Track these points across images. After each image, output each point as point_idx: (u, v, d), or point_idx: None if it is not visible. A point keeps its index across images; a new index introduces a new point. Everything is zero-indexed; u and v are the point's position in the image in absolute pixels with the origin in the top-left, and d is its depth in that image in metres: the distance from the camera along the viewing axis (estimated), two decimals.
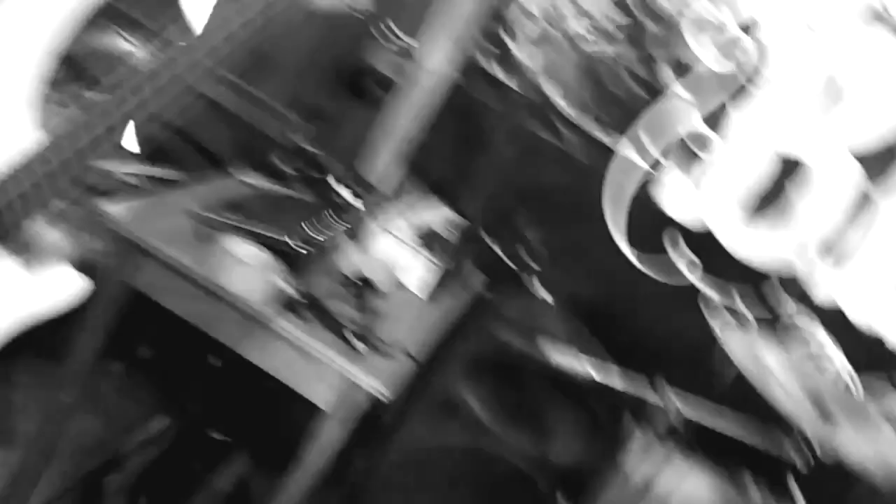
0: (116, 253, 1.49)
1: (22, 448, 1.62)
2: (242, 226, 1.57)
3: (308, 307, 1.53)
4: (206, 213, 1.58)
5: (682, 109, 1.93)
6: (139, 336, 2.04)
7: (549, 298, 2.15)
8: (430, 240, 1.95)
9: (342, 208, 1.96)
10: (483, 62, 2.18)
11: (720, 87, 1.87)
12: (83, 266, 1.99)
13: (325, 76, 2.28)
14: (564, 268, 2.14)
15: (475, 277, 2.11)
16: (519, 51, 2.14)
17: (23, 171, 0.72)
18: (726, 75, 1.87)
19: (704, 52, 1.89)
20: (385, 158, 2.28)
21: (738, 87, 1.85)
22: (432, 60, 2.22)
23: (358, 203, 2.02)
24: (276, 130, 2.32)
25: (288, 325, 1.47)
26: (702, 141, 1.92)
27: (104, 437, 1.94)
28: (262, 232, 1.57)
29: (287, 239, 1.58)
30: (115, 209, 1.49)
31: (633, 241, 2.02)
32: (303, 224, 1.69)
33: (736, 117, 1.88)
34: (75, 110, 0.75)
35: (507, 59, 2.15)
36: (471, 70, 2.19)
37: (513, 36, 2.14)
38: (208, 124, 2.41)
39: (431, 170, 2.25)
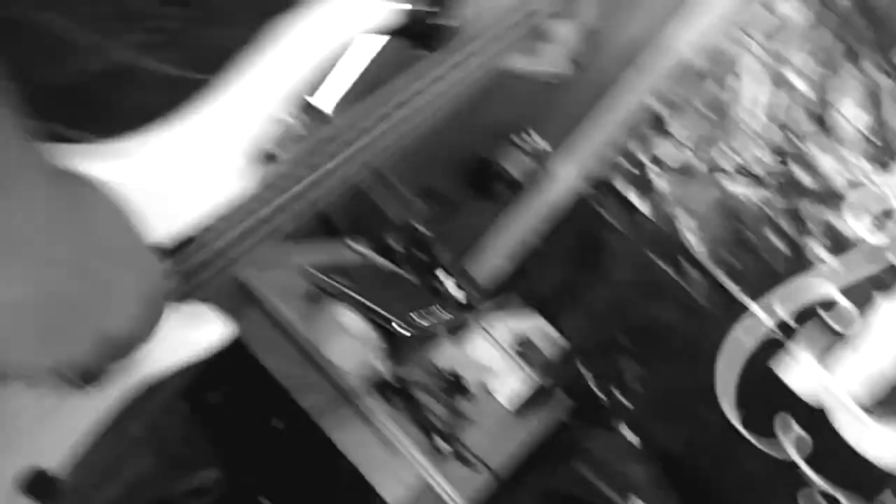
0: (226, 293, 1.45)
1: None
2: (351, 294, 1.52)
3: (399, 394, 1.46)
4: (318, 274, 1.54)
5: (824, 277, 1.82)
6: (213, 380, 1.99)
7: (635, 441, 2.03)
8: (527, 351, 1.87)
9: (445, 299, 1.92)
10: (617, 180, 2.13)
11: (869, 261, 1.77)
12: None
13: (454, 164, 2.26)
14: (658, 412, 2.03)
15: (563, 402, 2.02)
16: (657, 176, 2.09)
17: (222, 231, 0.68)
18: (877, 247, 1.77)
19: (859, 220, 1.80)
20: (496, 259, 2.24)
21: (888, 264, 1.75)
22: (565, 170, 2.18)
23: (461, 296, 1.97)
24: (395, 208, 2.31)
25: (375, 408, 1.41)
26: (841, 316, 1.80)
27: (153, 476, 1.88)
28: (369, 304, 1.52)
29: (391, 317, 1.52)
30: None
31: (739, 403, 1.90)
32: (406, 306, 1.64)
33: (882, 298, 1.77)
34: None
35: (643, 182, 2.10)
36: (602, 185, 2.14)
37: (654, 160, 2.10)
38: (329, 183, 2.41)
39: (540, 279, 2.19)
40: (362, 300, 1.52)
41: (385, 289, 1.70)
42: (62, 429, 0.68)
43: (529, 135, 2.20)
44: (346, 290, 1.53)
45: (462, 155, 2.25)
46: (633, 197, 2.10)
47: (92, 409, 0.69)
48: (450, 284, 1.98)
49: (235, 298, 1.46)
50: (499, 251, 2.24)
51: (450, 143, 2.32)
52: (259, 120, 0.69)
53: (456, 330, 1.81)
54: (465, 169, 2.25)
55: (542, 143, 2.20)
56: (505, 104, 2.26)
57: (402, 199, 2.35)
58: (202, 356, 0.73)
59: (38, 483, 0.65)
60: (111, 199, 0.50)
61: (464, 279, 2.08)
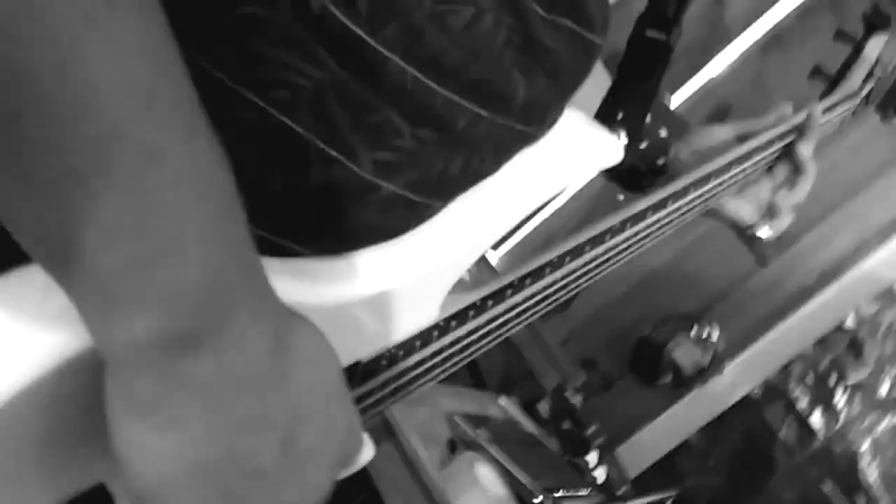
0: (367, 423, 1.41)
1: None
2: (492, 452, 1.45)
3: None
4: (462, 424, 1.48)
5: None
6: None
7: None
8: None
9: (587, 478, 1.79)
10: (794, 393, 1.96)
11: None
12: None
13: (620, 340, 2.18)
14: None
15: None
16: (840, 397, 1.91)
17: None
18: None
19: None
20: (648, 451, 2.09)
21: None
22: (739, 373, 2.04)
23: (604, 479, 1.84)
24: (549, 374, 2.24)
25: None
26: None
27: None
28: (509, 467, 1.43)
29: (531, 486, 1.42)
30: None
31: None
32: (547, 477, 1.53)
33: None
34: None
35: (823, 400, 1.93)
36: (777, 394, 1.98)
37: (839, 379, 1.92)
38: None
39: (693, 479, 2.01)
40: (503, 461, 1.44)
41: (527, 454, 1.61)
42: None
43: (706, 327, 2.09)
44: (488, 447, 1.45)
45: (630, 332, 2.17)
46: (811, 413, 1.92)
47: None
48: (595, 464, 1.85)
49: (377, 429, 1.41)
50: (653, 442, 2.09)
51: (620, 316, 2.26)
52: (469, 254, 0.65)
53: None
54: (630, 348, 2.16)
55: (719, 338, 2.09)
56: (686, 290, 2.19)
57: (557, 366, 2.27)
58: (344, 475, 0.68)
59: None
60: (327, 348, 0.43)
61: (611, 463, 1.95)
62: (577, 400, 1.95)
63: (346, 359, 0.55)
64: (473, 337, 0.68)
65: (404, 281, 0.59)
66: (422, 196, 0.55)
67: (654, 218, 0.79)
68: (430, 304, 0.63)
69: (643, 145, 0.97)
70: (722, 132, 0.99)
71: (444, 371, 0.70)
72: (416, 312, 0.62)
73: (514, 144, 0.60)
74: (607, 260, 0.79)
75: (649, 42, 0.74)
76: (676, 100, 2.29)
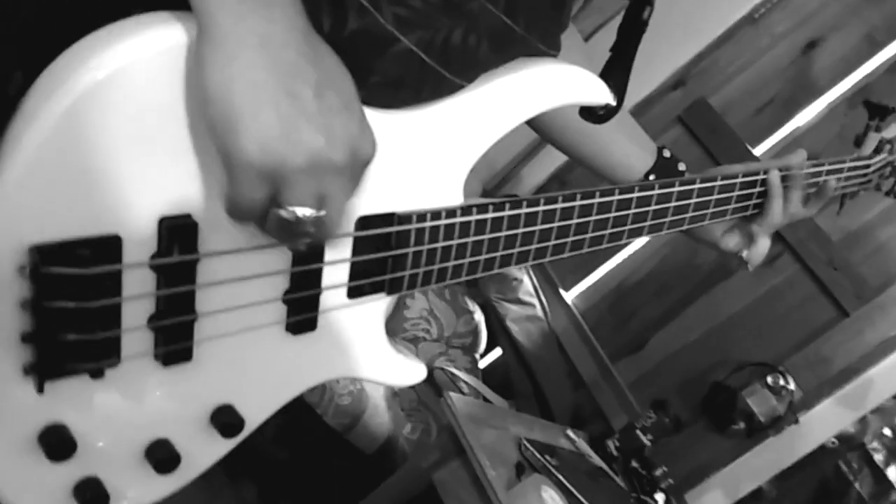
0: (437, 441, 1.47)
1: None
2: (560, 478, 1.48)
3: None
4: (531, 449, 1.52)
5: None
6: None
7: None
8: None
9: None
10: (873, 445, 1.94)
11: None
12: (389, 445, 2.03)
13: (694, 384, 2.18)
14: None
15: None
16: None
17: None
18: None
19: None
20: (718, 498, 2.08)
21: None
22: (815, 424, 2.02)
23: None
24: (620, 418, 2.26)
25: None
26: None
27: None
28: (577, 494, 1.46)
29: None
30: (457, 398, 1.50)
31: None
32: None
33: None
34: None
35: None
36: (855, 446, 1.96)
37: None
38: (557, 377, 2.41)
39: None
40: (571, 487, 1.47)
41: (594, 486, 1.63)
42: (267, 381, 0.75)
43: (782, 374, 2.08)
44: (556, 473, 1.49)
45: (704, 377, 2.17)
46: (887, 465, 1.89)
47: (296, 376, 0.77)
48: None
49: (446, 446, 1.46)
50: (724, 489, 2.08)
51: (694, 361, 2.27)
52: (478, 142, 0.79)
53: None
54: (703, 391, 2.16)
55: (794, 387, 2.07)
56: (763, 338, 2.19)
57: (627, 406, 2.29)
58: (397, 384, 0.85)
59: (227, 418, 0.71)
60: (345, 69, 0.60)
61: None
62: (646, 440, 1.95)
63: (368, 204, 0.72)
64: (492, 235, 0.80)
65: (423, 151, 0.75)
66: (431, 58, 0.71)
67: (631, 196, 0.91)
68: (451, 185, 0.79)
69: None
70: (731, 169, 1.07)
71: (470, 261, 0.81)
72: (439, 187, 0.78)
73: (507, 41, 0.76)
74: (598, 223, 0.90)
75: (642, 24, 0.88)
76: (759, 151, 2.32)
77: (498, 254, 0.82)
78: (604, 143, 1.02)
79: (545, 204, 0.83)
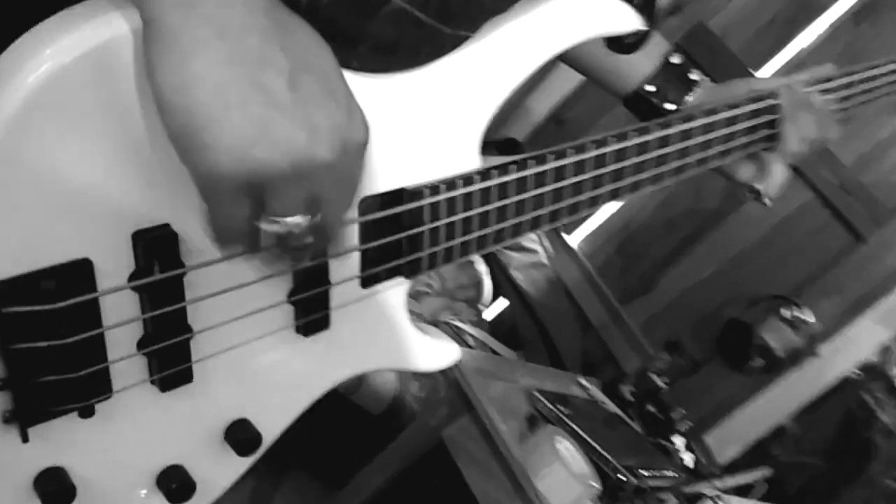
0: (445, 397, 1.43)
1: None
2: (574, 427, 1.44)
3: None
4: (543, 400, 1.48)
5: None
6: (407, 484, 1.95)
7: None
8: None
9: (674, 461, 1.76)
10: None
11: None
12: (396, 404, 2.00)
13: (706, 321, 2.14)
14: None
15: None
16: None
17: None
18: None
19: None
20: (739, 437, 2.04)
21: None
22: (835, 355, 1.98)
23: (691, 463, 1.81)
24: (632, 361, 2.22)
25: None
26: None
27: None
28: (592, 443, 1.42)
29: (616, 462, 1.41)
30: (463, 352, 1.45)
31: None
32: (632, 457, 1.52)
33: None
34: None
35: None
36: (878, 375, 1.92)
37: None
38: (565, 323, 2.38)
39: (788, 467, 1.96)
40: (586, 437, 1.43)
41: (610, 433, 1.60)
42: (282, 389, 0.70)
43: (797, 306, 2.04)
44: (569, 423, 1.45)
45: (717, 314, 2.13)
46: None
47: (315, 379, 0.72)
48: (682, 448, 1.83)
49: (455, 402, 1.42)
50: (744, 428, 2.05)
51: (706, 298, 2.23)
52: (492, 96, 0.72)
53: (686, 499, 1.65)
54: (717, 329, 2.12)
55: (812, 319, 2.03)
56: (776, 270, 2.15)
57: (639, 348, 2.25)
58: (429, 368, 0.79)
59: (242, 434, 0.67)
60: (321, 41, 0.53)
61: (700, 449, 1.92)
62: (661, 382, 1.92)
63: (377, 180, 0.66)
64: (517, 197, 0.74)
65: (431, 113, 0.69)
66: (428, 15, 0.65)
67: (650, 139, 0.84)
68: (466, 148, 0.72)
69: (660, 83, 1.01)
70: (755, 84, 1.00)
71: (496, 229, 0.75)
72: (452, 152, 0.71)
73: None
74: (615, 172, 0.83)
75: None
76: (762, 74, 2.25)
77: (526, 217, 0.75)
78: (607, 55, 0.95)
79: (575, 154, 0.76)
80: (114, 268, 0.56)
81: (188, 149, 0.48)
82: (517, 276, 2.40)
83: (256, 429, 0.68)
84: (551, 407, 1.48)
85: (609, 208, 2.44)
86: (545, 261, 2.43)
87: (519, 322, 2.42)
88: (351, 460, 1.84)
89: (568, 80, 2.52)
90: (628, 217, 2.42)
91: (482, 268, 2.39)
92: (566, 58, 0.96)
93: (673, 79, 0.98)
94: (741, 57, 2.27)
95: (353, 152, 0.53)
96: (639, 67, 0.97)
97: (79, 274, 0.54)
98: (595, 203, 0.80)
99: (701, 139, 0.89)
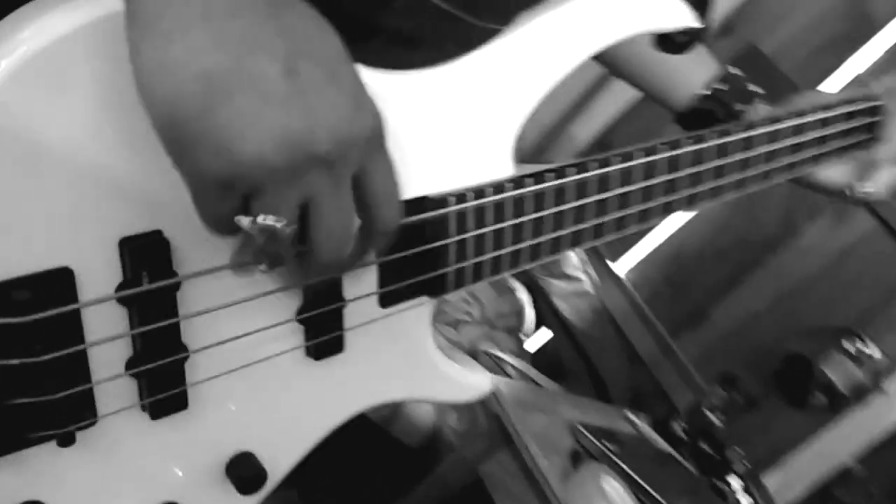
0: (484, 430, 1.36)
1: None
2: (621, 465, 1.35)
3: None
4: (587, 435, 1.39)
5: None
6: None
7: None
8: None
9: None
10: None
11: None
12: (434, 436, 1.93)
13: (763, 355, 2.04)
14: None
15: None
16: None
17: None
18: None
19: None
20: (800, 478, 1.93)
21: None
22: None
23: None
24: (684, 396, 2.12)
25: None
26: None
27: None
28: (641, 482, 1.33)
29: (664, 502, 1.32)
30: (503, 382, 1.38)
31: None
32: (683, 498, 1.42)
33: None
34: None
35: None
36: None
37: None
38: (612, 355, 2.29)
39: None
40: (634, 476, 1.34)
41: (661, 472, 1.50)
42: (291, 420, 0.63)
43: (861, 339, 1.93)
44: (616, 460, 1.36)
45: (775, 348, 2.03)
46: None
47: (327, 409, 0.64)
48: (739, 490, 1.72)
49: (494, 435, 1.35)
50: (806, 469, 1.93)
51: (763, 330, 2.12)
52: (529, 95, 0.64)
53: None
54: (775, 363, 2.01)
55: (877, 353, 1.92)
56: (838, 302, 2.04)
57: (692, 383, 2.15)
58: (456, 399, 0.71)
59: (245, 471, 0.60)
60: (324, 22, 0.47)
61: (758, 490, 1.81)
62: (716, 419, 1.82)
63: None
64: (555, 209, 0.66)
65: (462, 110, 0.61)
66: (452, 6, 0.58)
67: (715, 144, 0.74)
68: (497, 152, 0.64)
69: (725, 87, 0.93)
70: (821, 97, 0.91)
71: (531, 244, 0.67)
72: (482, 156, 0.63)
73: None
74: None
75: None
76: None
77: (565, 231, 0.67)
78: (662, 62, 0.87)
79: (621, 161, 0.67)
80: (98, 278, 0.50)
81: (170, 141, 0.43)
82: (560, 305, 2.31)
83: (261, 464, 0.60)
84: (597, 442, 1.39)
85: (657, 235, 2.35)
86: (590, 289, 2.34)
87: (562, 353, 2.34)
88: (385, 494, 1.78)
89: (612, 104, 2.45)
90: (678, 245, 2.33)
91: (524, 296, 2.31)
92: (614, 64, 0.89)
93: (731, 89, 0.89)
94: (795, 79, 2.19)
95: (363, 146, 0.46)
96: (694, 74, 0.89)
97: (57, 284, 0.48)
98: (649, 217, 0.71)
99: (790, 142, 0.81)
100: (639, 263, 2.40)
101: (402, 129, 0.58)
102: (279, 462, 0.62)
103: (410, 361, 0.67)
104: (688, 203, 0.74)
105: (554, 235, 0.66)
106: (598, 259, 2.39)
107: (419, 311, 0.65)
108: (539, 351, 2.44)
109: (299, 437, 0.63)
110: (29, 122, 0.45)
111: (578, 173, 0.64)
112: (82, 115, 0.47)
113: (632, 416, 1.69)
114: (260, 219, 0.44)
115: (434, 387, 0.69)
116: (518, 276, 2.34)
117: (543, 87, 0.63)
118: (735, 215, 2.21)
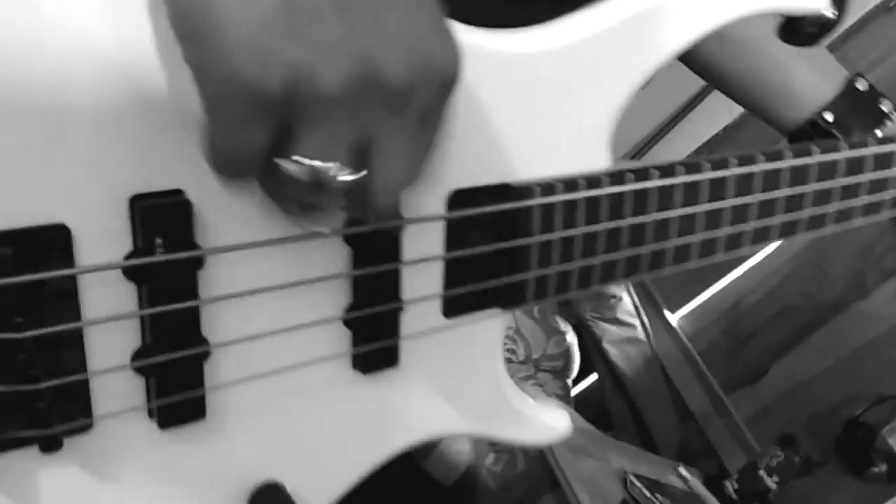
0: (524, 472, 1.24)
1: None
2: None
3: None
4: (637, 485, 1.26)
5: None
6: None
7: None
8: None
9: None
10: None
11: None
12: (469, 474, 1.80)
13: (825, 416, 1.89)
14: None
15: None
16: None
17: None
18: None
19: None
20: None
21: None
22: None
23: None
24: (735, 456, 1.97)
25: None
26: None
27: None
28: None
29: None
30: None
31: None
32: None
33: None
34: None
35: None
36: None
37: None
38: (661, 407, 2.15)
39: None
40: None
41: None
42: (329, 448, 0.51)
43: None
44: None
45: (836, 412, 1.88)
46: None
47: (373, 437, 0.53)
48: None
49: (536, 478, 1.22)
50: None
51: (824, 393, 1.97)
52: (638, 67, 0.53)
53: None
54: (834, 428, 1.86)
55: None
56: None
57: (745, 443, 2.00)
58: (532, 440, 0.58)
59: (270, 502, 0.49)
60: None
61: None
62: (771, 482, 1.67)
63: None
64: (658, 215, 0.55)
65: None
66: None
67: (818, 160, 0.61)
68: (592, 140, 0.53)
69: (849, 104, 0.79)
70: None
71: (627, 255, 0.55)
72: (574, 143, 0.52)
73: None
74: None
75: None
76: None
77: (667, 244, 0.56)
78: (777, 67, 0.74)
79: (739, 165, 0.56)
80: (101, 243, 0.40)
81: (191, 34, 0.32)
82: (610, 350, 2.19)
83: (291, 499, 0.49)
84: (648, 494, 1.27)
85: (717, 285, 2.22)
86: (642, 337, 2.21)
87: (609, 400, 2.20)
88: None
89: (706, 127, 2.31)
90: (738, 296, 2.19)
91: (571, 338, 2.19)
92: (719, 64, 0.76)
93: (859, 107, 0.76)
94: None
95: (436, 89, 0.35)
96: (815, 89, 0.76)
97: (49, 243, 0.39)
98: (766, 237, 0.59)
99: None
100: (694, 312, 2.26)
101: (484, 99, 0.47)
102: (314, 499, 0.51)
103: (476, 388, 0.55)
104: (787, 230, 0.62)
105: (655, 247, 0.54)
106: (653, 306, 2.26)
107: (488, 327, 0.54)
108: (582, 395, 2.31)
109: (339, 469, 0.52)
110: (33, 35, 0.35)
111: (688, 173, 0.53)
112: (95, 28, 0.37)
113: (683, 471, 1.56)
114: (308, 161, 0.33)
115: (502, 423, 0.57)
116: (567, 318, 2.22)
117: (649, 67, 0.52)
118: (801, 268, 2.07)
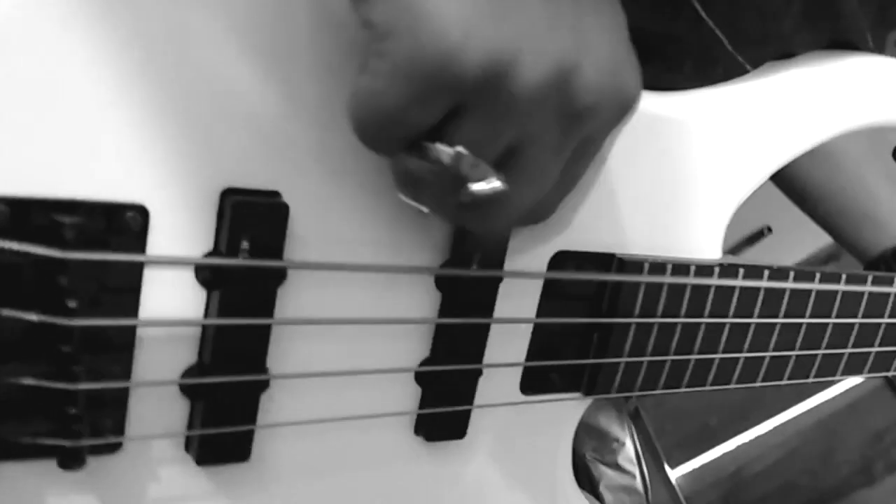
0: None
1: None
2: None
3: None
4: None
5: None
6: None
7: None
8: None
9: None
10: None
11: None
12: None
13: None
14: None
15: None
16: None
17: None
18: None
19: None
20: None
21: None
22: None
23: None
24: None
25: None
26: None
27: None
28: None
29: None
30: None
31: None
32: None
33: None
34: None
35: None
36: None
37: None
38: None
39: None
40: None
41: None
42: None
43: None
44: None
45: None
46: None
47: None
48: None
49: None
50: None
51: None
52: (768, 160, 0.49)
53: None
54: None
55: None
56: None
57: None
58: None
59: None
60: None
61: None
62: None
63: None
64: (764, 318, 0.48)
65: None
66: (710, 15, 0.46)
67: None
68: (707, 227, 0.48)
69: None
70: None
71: (721, 358, 0.47)
72: (688, 227, 0.46)
73: (824, 13, 0.48)
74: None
75: None
76: None
77: (767, 354, 0.49)
78: (867, 190, 0.70)
79: (847, 283, 0.50)
80: (180, 234, 0.34)
81: None
82: (607, 496, 2.05)
83: None
84: None
85: (721, 448, 2.11)
86: (640, 488, 2.08)
87: None
88: None
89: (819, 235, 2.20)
90: (741, 463, 2.07)
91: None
92: (806, 191, 0.72)
93: None
94: None
95: (612, 117, 0.31)
96: None
97: (123, 223, 0.32)
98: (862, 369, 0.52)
99: None
100: (694, 472, 2.13)
101: (613, 163, 0.42)
102: None
103: (541, 479, 0.47)
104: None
105: (749, 356, 0.47)
106: (654, 458, 2.14)
107: (565, 413, 0.46)
108: None
109: None
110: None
111: (799, 280, 0.46)
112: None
113: None
114: (462, 149, 0.28)
115: None
116: None
117: (777, 160, 0.47)
118: (809, 445, 1.97)
